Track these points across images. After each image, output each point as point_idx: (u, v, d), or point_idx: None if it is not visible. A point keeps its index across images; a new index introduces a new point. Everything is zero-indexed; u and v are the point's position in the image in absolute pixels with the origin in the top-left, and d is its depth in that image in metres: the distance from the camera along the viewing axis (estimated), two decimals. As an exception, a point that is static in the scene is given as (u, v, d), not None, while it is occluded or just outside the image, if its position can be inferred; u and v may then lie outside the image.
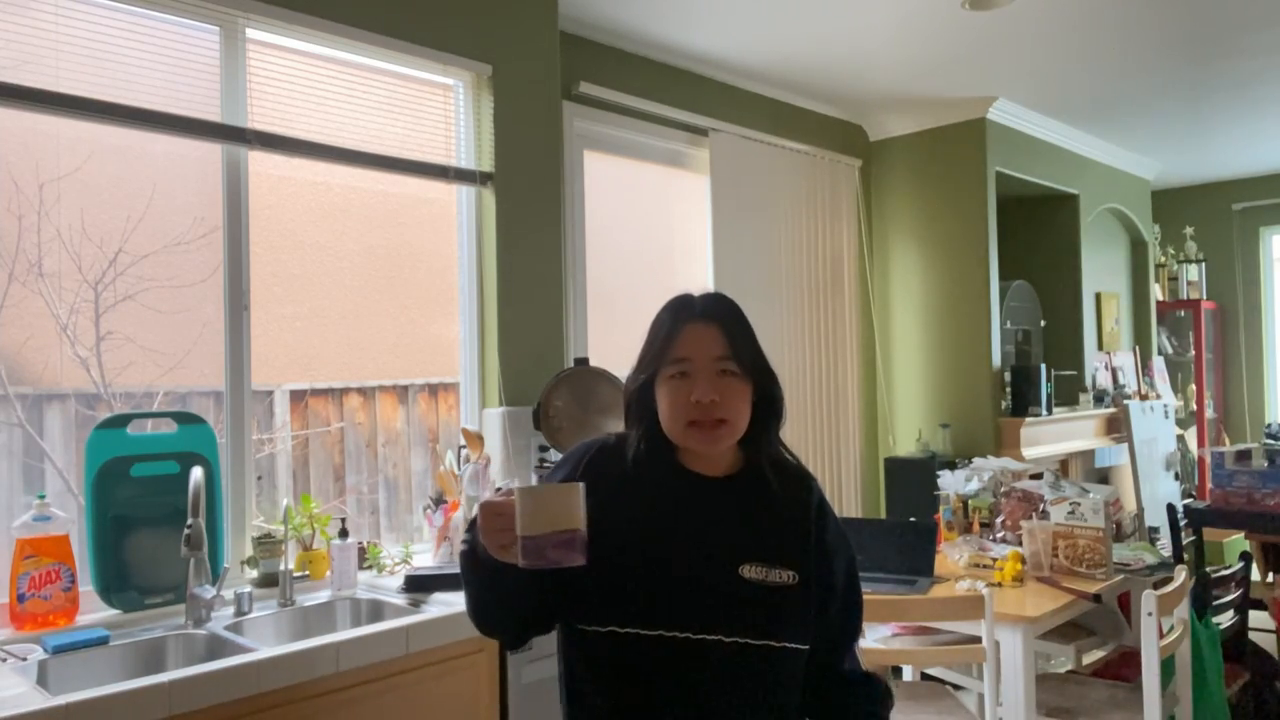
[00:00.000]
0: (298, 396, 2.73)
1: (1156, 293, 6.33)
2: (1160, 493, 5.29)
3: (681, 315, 1.42)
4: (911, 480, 4.52)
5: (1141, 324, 6.23)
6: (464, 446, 2.93)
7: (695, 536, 1.34)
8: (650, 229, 4.04)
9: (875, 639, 3.27)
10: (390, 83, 2.89)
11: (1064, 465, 5.03)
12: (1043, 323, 5.37)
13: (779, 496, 1.40)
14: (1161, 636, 2.51)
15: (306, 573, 2.48)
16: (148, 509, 2.25)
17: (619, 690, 1.32)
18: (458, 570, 2.36)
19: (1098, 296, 5.64)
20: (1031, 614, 2.59)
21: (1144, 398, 5.62)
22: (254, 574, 2.45)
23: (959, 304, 4.71)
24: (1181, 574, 2.70)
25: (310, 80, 2.70)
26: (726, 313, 1.44)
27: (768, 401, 1.40)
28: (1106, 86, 4.46)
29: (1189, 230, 6.65)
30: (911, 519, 3.67)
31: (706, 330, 1.39)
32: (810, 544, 1.39)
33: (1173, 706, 2.67)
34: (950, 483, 3.74)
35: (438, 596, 2.31)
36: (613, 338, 3.76)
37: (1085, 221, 5.46)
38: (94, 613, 2.19)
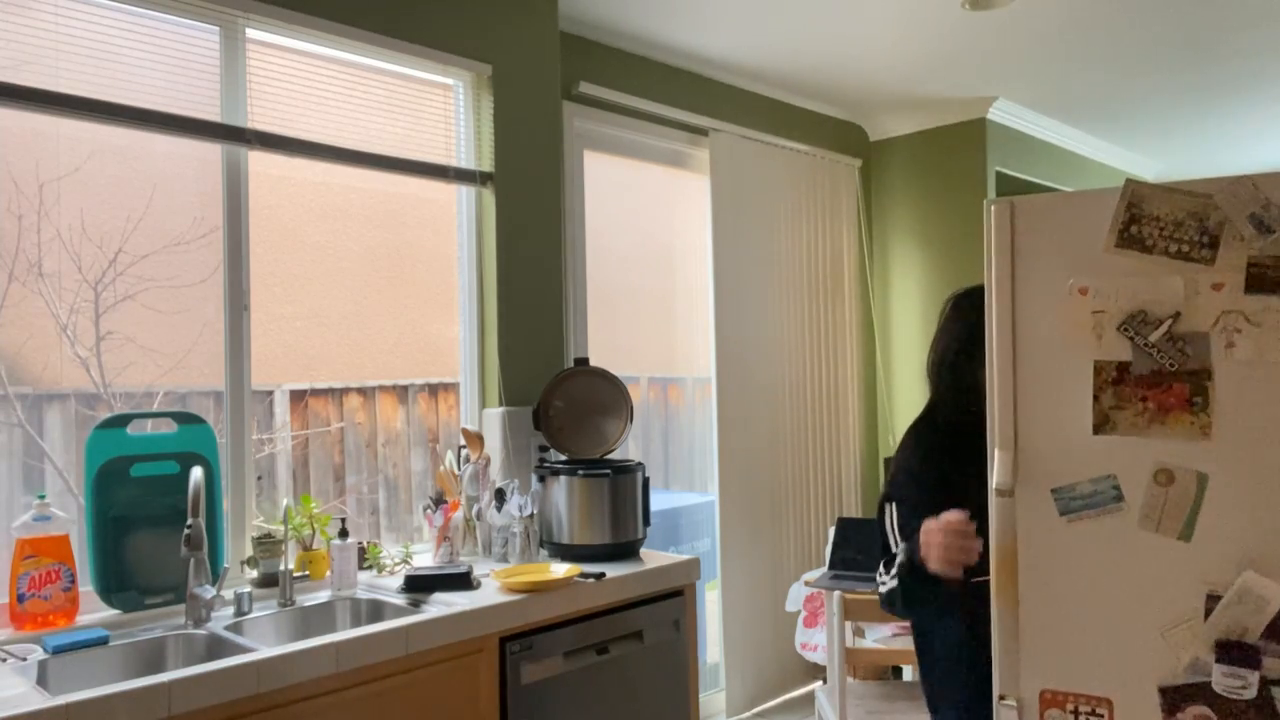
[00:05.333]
0: (298, 396, 2.73)
1: (1156, 293, 6.32)
2: (1160, 493, 5.29)
3: None
4: (911, 480, 4.51)
5: (1141, 324, 6.22)
6: (464, 446, 2.93)
7: None
8: (650, 229, 4.04)
9: (875, 639, 3.28)
10: (390, 83, 2.89)
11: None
12: (1043, 323, 5.36)
13: None
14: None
15: (306, 573, 2.48)
16: (148, 509, 2.25)
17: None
18: (457, 570, 2.37)
19: (1098, 296, 5.64)
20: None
21: (1144, 398, 5.61)
22: (254, 574, 2.45)
23: (959, 304, 4.70)
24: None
25: (310, 80, 2.70)
26: None
27: None
28: (1106, 86, 4.46)
29: (1189, 230, 6.65)
30: (911, 519, 3.67)
31: None
32: None
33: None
34: (950, 483, 3.73)
35: (438, 596, 2.31)
36: (613, 338, 3.76)
37: (1085, 221, 5.45)
38: (94, 613, 2.19)
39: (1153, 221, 1.41)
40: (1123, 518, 1.41)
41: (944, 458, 1.78)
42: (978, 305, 1.63)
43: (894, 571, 1.70)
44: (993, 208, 1.50)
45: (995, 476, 1.48)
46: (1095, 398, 1.43)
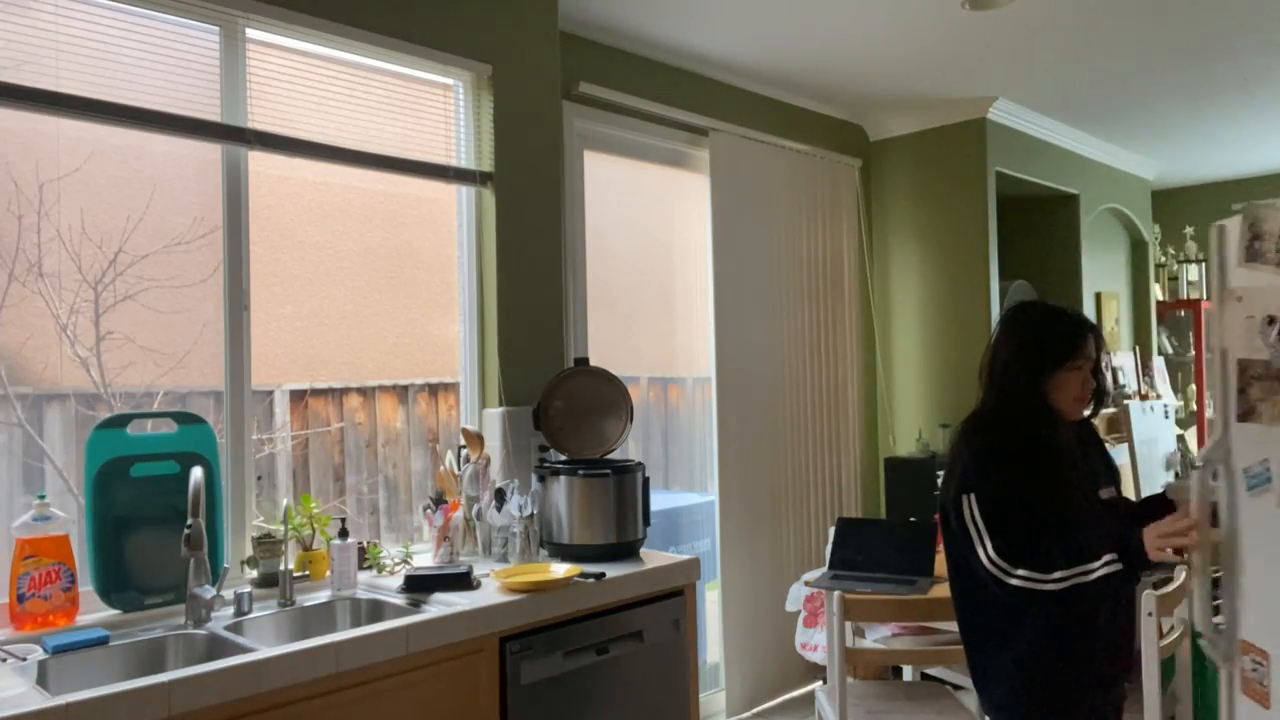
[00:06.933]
0: (298, 396, 2.73)
1: (1156, 293, 6.33)
2: (1160, 493, 5.28)
3: (1086, 328, 2.09)
4: (911, 480, 4.52)
5: (1141, 324, 6.22)
6: (464, 446, 2.94)
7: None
8: (650, 229, 4.04)
9: (875, 639, 3.28)
10: (390, 83, 2.89)
11: (1064, 465, 5.02)
12: (1043, 323, 5.35)
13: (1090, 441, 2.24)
14: (1161, 636, 2.51)
15: (306, 573, 2.48)
16: (148, 509, 2.25)
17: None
18: (457, 570, 2.37)
19: (1098, 296, 5.64)
20: (1031, 614, 2.58)
21: (1144, 398, 5.62)
22: (254, 574, 2.45)
23: (959, 304, 4.71)
24: (1182, 574, 2.70)
25: (310, 80, 2.70)
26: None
27: None
28: (1106, 86, 4.46)
29: (1189, 230, 6.65)
30: (911, 519, 3.68)
31: (1094, 340, 2.10)
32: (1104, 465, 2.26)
33: (1173, 707, 2.67)
34: (950, 483, 3.73)
35: (438, 596, 2.31)
36: (613, 338, 3.77)
37: (1085, 221, 5.46)
38: (94, 613, 2.19)
39: (1272, 237, 1.60)
40: (1272, 496, 1.63)
41: (1018, 447, 2.05)
42: (1035, 316, 2.12)
43: (1098, 566, 1.93)
44: (1211, 231, 1.78)
45: (1201, 454, 1.76)
46: (1242, 390, 1.66)
